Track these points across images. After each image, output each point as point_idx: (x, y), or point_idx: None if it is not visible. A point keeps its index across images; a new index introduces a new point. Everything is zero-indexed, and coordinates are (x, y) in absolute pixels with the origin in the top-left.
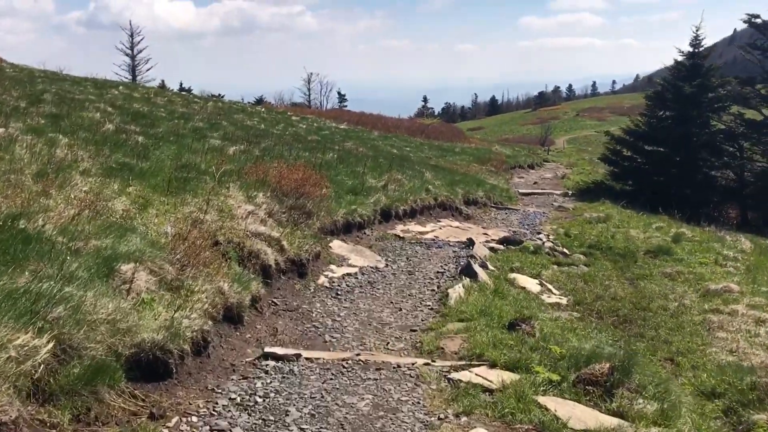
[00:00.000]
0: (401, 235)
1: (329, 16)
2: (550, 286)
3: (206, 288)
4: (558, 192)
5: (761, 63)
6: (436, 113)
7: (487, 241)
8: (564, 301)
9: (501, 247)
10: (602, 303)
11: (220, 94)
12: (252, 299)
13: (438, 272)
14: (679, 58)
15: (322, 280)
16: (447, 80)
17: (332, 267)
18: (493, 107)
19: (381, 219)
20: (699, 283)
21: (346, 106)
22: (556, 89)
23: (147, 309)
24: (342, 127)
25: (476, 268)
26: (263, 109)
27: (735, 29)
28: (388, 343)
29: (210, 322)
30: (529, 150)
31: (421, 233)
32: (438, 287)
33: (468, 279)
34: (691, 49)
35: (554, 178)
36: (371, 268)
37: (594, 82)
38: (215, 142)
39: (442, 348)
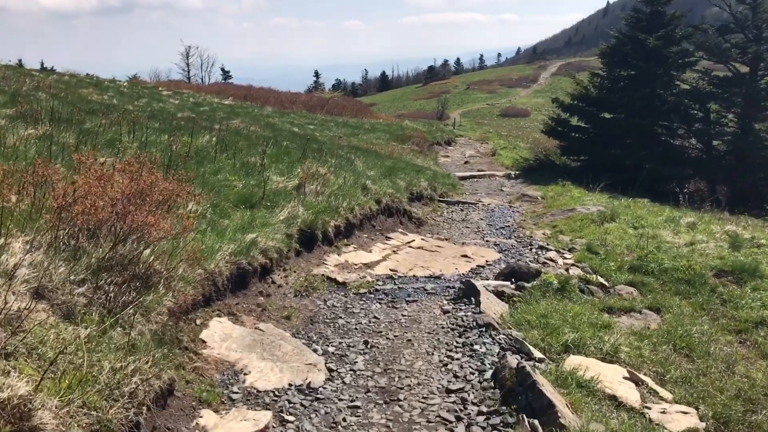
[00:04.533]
0: (339, 279)
1: None
2: (650, 383)
3: None
4: (499, 173)
5: (731, 9)
6: (327, 89)
7: (474, 269)
8: (695, 420)
9: (508, 286)
10: (764, 418)
11: (89, 74)
12: None
13: (449, 390)
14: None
15: None
16: (336, 57)
17: (204, 419)
18: (384, 83)
19: (300, 248)
20: None
21: (231, 82)
22: (445, 63)
23: None
24: (226, 102)
25: (546, 391)
26: (125, 83)
27: None
28: None
29: None
30: (435, 125)
31: (368, 266)
32: None
33: (538, 423)
34: None
35: (479, 155)
36: (303, 393)
37: (481, 56)
38: None
39: None
